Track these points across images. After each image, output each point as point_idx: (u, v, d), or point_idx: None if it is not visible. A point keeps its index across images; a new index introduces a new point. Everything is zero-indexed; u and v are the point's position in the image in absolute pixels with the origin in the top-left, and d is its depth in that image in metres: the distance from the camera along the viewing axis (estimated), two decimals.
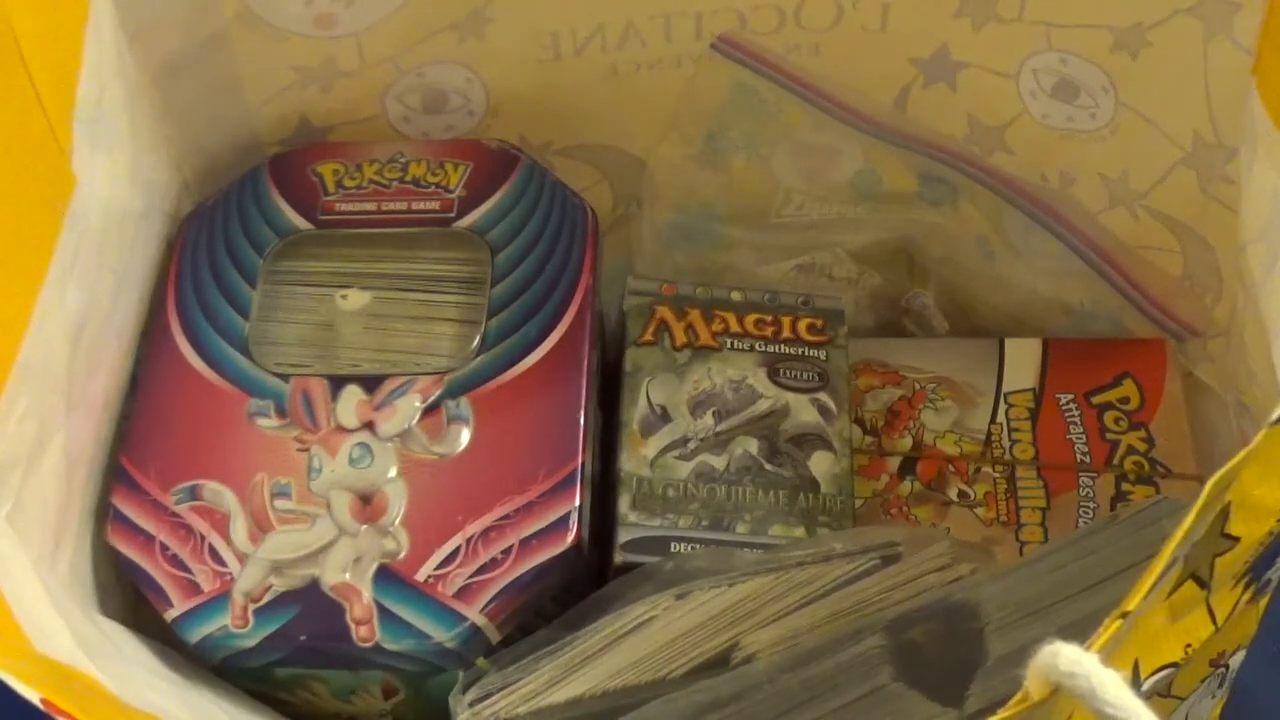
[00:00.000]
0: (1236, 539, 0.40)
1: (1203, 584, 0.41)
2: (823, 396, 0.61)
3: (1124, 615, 0.34)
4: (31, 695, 0.37)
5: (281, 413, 0.56)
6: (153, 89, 0.60)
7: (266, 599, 0.52)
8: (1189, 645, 0.42)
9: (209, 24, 0.60)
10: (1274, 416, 0.36)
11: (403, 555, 0.52)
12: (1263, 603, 0.49)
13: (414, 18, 0.62)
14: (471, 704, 0.50)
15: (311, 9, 0.60)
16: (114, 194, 0.55)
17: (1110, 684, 0.32)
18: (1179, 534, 0.35)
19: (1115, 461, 0.64)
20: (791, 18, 0.64)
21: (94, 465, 0.55)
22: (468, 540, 0.52)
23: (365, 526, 0.53)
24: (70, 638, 0.43)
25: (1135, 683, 0.34)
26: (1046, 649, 0.32)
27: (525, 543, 0.52)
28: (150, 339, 0.58)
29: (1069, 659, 0.32)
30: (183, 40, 0.60)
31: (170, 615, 0.52)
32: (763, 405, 0.60)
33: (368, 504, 0.53)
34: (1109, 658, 0.33)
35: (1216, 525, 0.39)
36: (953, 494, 0.64)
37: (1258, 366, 0.56)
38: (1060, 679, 0.32)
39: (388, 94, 0.65)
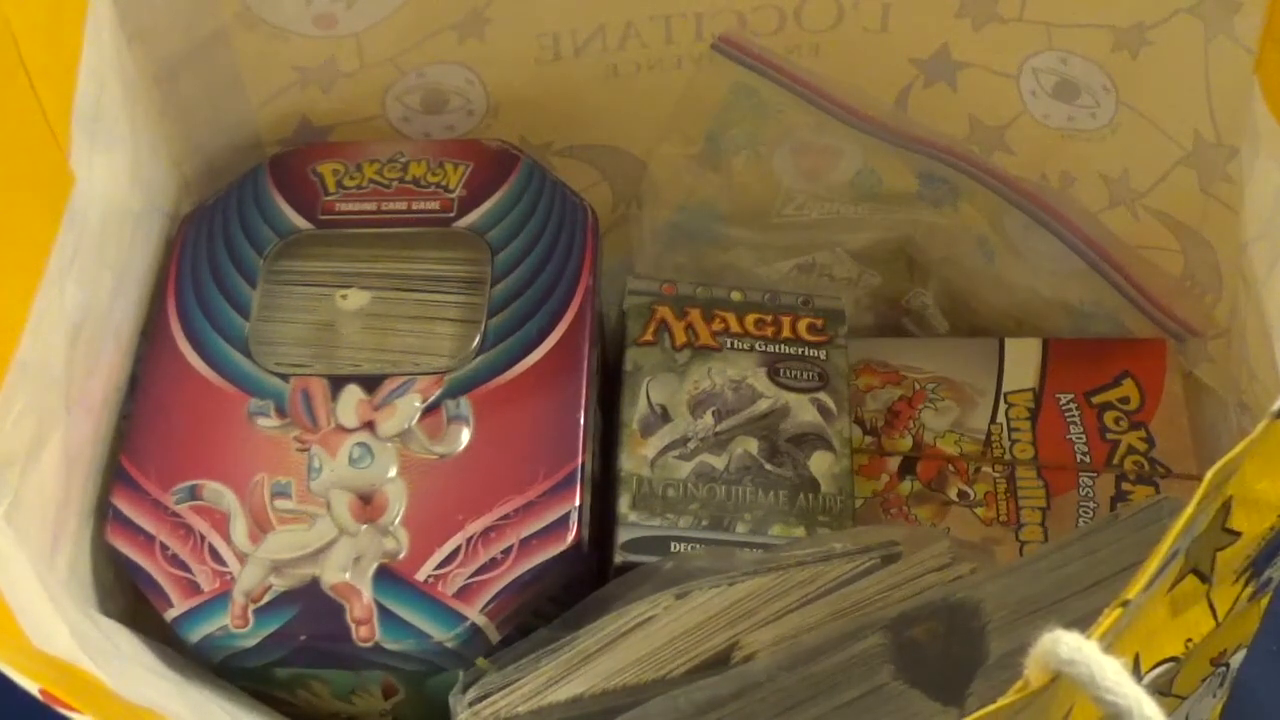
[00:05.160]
0: (1238, 534, 0.40)
1: (1204, 578, 0.41)
2: (823, 396, 0.61)
3: (1125, 604, 0.34)
4: (30, 686, 0.37)
5: (281, 412, 0.56)
6: (153, 89, 0.60)
7: (266, 599, 0.52)
8: (1189, 640, 0.42)
9: (209, 24, 0.60)
10: (1275, 408, 0.36)
11: (403, 555, 0.52)
12: (1263, 602, 0.49)
13: (414, 18, 0.62)
14: (471, 703, 0.50)
15: (311, 9, 0.60)
16: (113, 193, 0.55)
17: (1110, 671, 0.31)
18: (1179, 524, 0.35)
19: (1115, 461, 0.64)
20: (792, 18, 0.64)
21: (93, 464, 0.55)
22: (468, 540, 0.52)
23: (365, 526, 0.53)
24: (69, 636, 0.43)
25: (1135, 675, 0.33)
26: (1047, 636, 0.32)
27: (525, 543, 0.52)
28: (150, 339, 0.58)
29: (1069, 646, 0.32)
30: (183, 40, 0.60)
31: (170, 615, 0.52)
32: (763, 405, 0.60)
33: (368, 504, 0.53)
34: (1109, 647, 0.32)
35: (1218, 520, 0.39)
36: (953, 494, 0.64)
37: (1259, 365, 0.56)
38: (1060, 666, 0.32)
39: (388, 94, 0.65)
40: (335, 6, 0.60)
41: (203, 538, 0.53)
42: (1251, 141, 0.53)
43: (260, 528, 0.53)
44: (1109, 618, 0.34)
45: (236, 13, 0.60)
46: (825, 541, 0.54)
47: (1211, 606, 0.42)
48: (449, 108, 0.66)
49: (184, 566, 0.52)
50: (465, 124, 0.66)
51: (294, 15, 0.61)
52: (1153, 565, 0.35)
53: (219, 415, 0.56)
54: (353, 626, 0.51)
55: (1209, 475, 0.36)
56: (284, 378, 0.56)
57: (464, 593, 0.51)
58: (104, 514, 0.54)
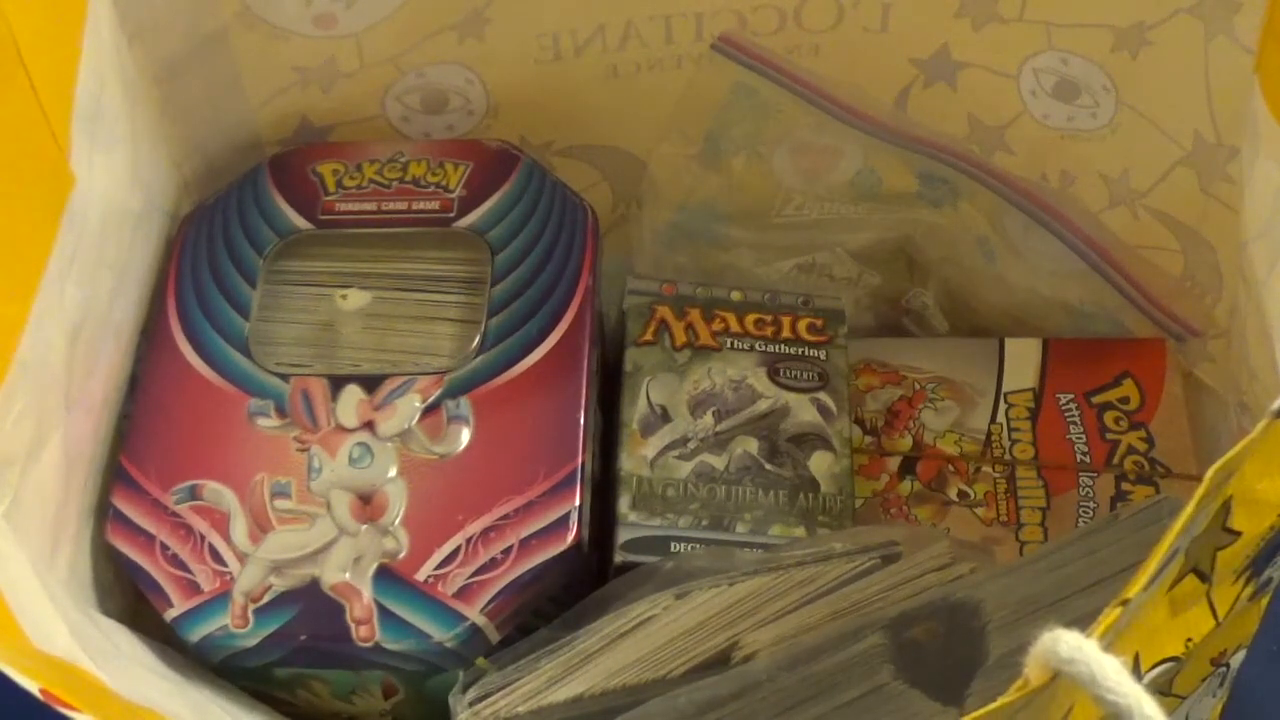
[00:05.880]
0: (1238, 533, 0.40)
1: (1204, 578, 0.41)
2: (823, 396, 0.61)
3: (1124, 603, 0.34)
4: (30, 685, 0.37)
5: (281, 412, 0.56)
6: (152, 88, 0.60)
7: (266, 599, 0.52)
8: (1190, 639, 0.42)
9: (209, 24, 0.60)
10: (1275, 407, 0.36)
11: (403, 555, 0.52)
12: (1263, 602, 0.49)
13: (413, 18, 0.62)
14: (471, 703, 0.50)
15: (311, 9, 0.60)
16: (113, 193, 0.55)
17: (1110, 670, 0.31)
18: (1179, 523, 0.35)
19: (1115, 461, 0.64)
20: (792, 19, 0.64)
21: (93, 464, 0.55)
22: (468, 540, 0.52)
23: (365, 526, 0.53)
24: (69, 635, 0.43)
25: (1135, 674, 0.33)
26: (1047, 635, 0.32)
27: (525, 543, 0.52)
28: (150, 339, 0.58)
29: (1069, 645, 0.32)
30: (183, 40, 0.60)
31: (170, 615, 0.52)
32: (763, 405, 0.60)
33: (368, 504, 0.53)
34: (1109, 646, 0.32)
35: (1218, 519, 0.39)
36: (953, 494, 0.64)
37: (1259, 365, 0.56)
38: (1060, 665, 0.32)
39: (388, 94, 0.65)
40: (335, 6, 0.60)
41: (203, 538, 0.53)
42: (1251, 141, 0.53)
43: (260, 528, 0.53)
44: (1109, 617, 0.34)
45: (236, 13, 0.60)
46: (825, 541, 0.54)
47: (1212, 606, 0.42)
48: (449, 108, 0.66)
49: (184, 566, 0.52)
50: (465, 124, 0.66)
51: (294, 15, 0.61)
52: (1152, 565, 0.35)
53: (219, 415, 0.56)
54: (353, 626, 0.51)
55: (1209, 475, 0.36)
56: (284, 378, 0.56)
57: (464, 593, 0.51)
58: (104, 514, 0.54)
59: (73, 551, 0.52)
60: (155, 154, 0.60)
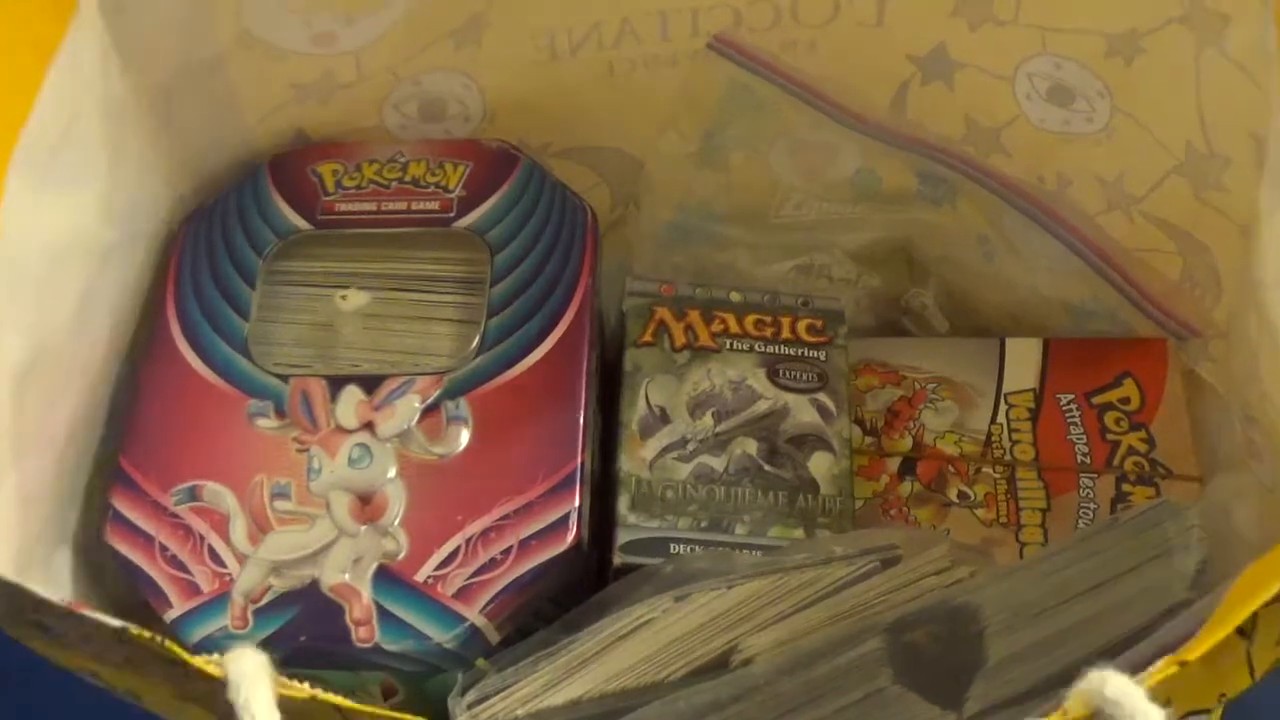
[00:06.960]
0: None
1: (1245, 635, 0.40)
2: (822, 397, 0.61)
3: (1183, 664, 0.34)
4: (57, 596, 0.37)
5: (281, 413, 0.56)
6: (147, 113, 0.58)
7: (266, 600, 0.52)
8: (1223, 694, 0.41)
9: (206, 48, 0.59)
10: None
11: (402, 556, 0.52)
12: None
13: (413, 29, 0.61)
14: (470, 706, 0.50)
15: (311, 29, 0.60)
16: (76, 229, 0.54)
17: (1154, 717, 0.31)
18: (1264, 597, 0.35)
19: (1116, 462, 0.64)
20: (787, 13, 0.64)
21: (59, 498, 0.53)
22: (467, 540, 0.52)
23: (365, 527, 0.53)
24: None
25: None
26: (1095, 673, 0.32)
27: (525, 543, 0.52)
28: (150, 339, 0.58)
29: (1116, 687, 0.32)
30: (180, 63, 0.58)
31: (170, 616, 0.52)
32: (762, 406, 0.60)
33: (367, 504, 0.53)
34: (1155, 697, 0.33)
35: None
36: (953, 495, 0.64)
37: (1271, 387, 0.55)
38: (1103, 704, 0.32)
39: (385, 103, 0.64)
40: (335, 25, 0.60)
41: (202, 539, 0.53)
42: (1272, 179, 0.52)
43: (260, 528, 0.53)
44: (1163, 671, 0.34)
45: (235, 36, 0.59)
46: (825, 544, 0.54)
47: (1250, 665, 0.41)
48: (447, 115, 0.65)
49: (183, 567, 0.52)
50: (463, 130, 0.66)
51: (293, 35, 0.60)
52: (1221, 634, 0.35)
53: (218, 416, 0.56)
54: (352, 628, 0.51)
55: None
56: (283, 378, 0.56)
57: (463, 593, 0.51)
58: (104, 515, 0.54)
59: (71, 553, 0.52)
60: (141, 179, 0.59)
